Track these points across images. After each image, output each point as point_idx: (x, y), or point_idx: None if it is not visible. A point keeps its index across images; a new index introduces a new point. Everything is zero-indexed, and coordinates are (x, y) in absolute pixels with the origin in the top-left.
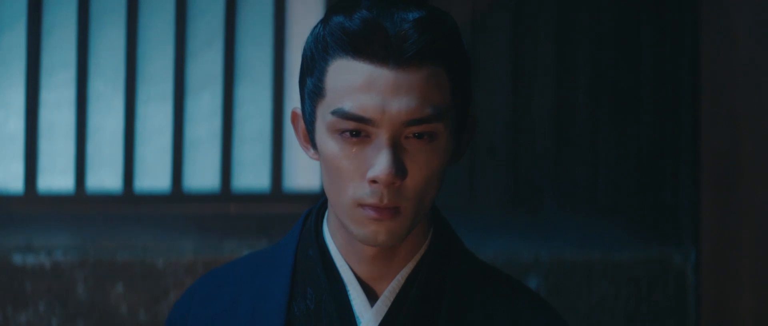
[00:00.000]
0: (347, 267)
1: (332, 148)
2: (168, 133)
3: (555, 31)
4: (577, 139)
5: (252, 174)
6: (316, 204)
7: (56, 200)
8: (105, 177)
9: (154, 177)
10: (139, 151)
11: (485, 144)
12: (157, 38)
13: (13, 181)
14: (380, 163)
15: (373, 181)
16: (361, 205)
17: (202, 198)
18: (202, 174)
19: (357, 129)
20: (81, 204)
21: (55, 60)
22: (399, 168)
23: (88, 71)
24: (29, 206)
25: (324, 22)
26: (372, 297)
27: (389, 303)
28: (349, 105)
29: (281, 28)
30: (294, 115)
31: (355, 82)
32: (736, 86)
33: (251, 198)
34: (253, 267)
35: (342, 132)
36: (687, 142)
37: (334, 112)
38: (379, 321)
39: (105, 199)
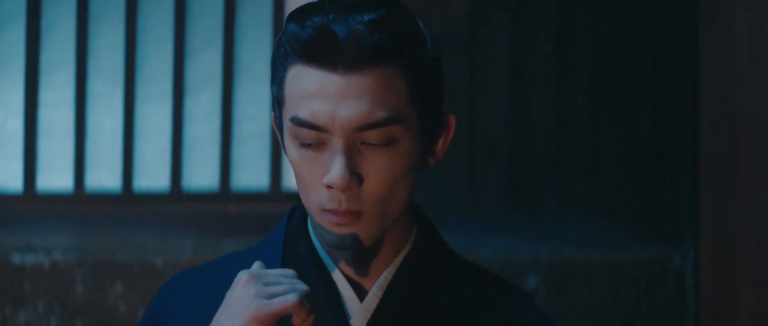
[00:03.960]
0: (333, 264)
1: (294, 154)
2: (167, 133)
3: (555, 31)
4: (577, 139)
5: (251, 174)
6: (301, 201)
7: (55, 199)
8: (104, 176)
9: (153, 176)
10: (138, 150)
11: (485, 144)
12: (156, 38)
13: (12, 181)
14: (334, 169)
15: (330, 187)
16: (324, 210)
17: (201, 198)
18: (201, 174)
19: (313, 135)
20: (80, 203)
21: (54, 59)
22: (353, 173)
23: (87, 71)
24: (28, 205)
25: (284, 27)
26: (360, 293)
27: (378, 299)
28: (303, 112)
29: (280, 27)
30: (273, 119)
31: (308, 89)
32: (734, 87)
33: (250, 197)
34: (239, 265)
35: (300, 138)
36: (686, 142)
37: (291, 119)
38: (368, 317)
39: (104, 199)
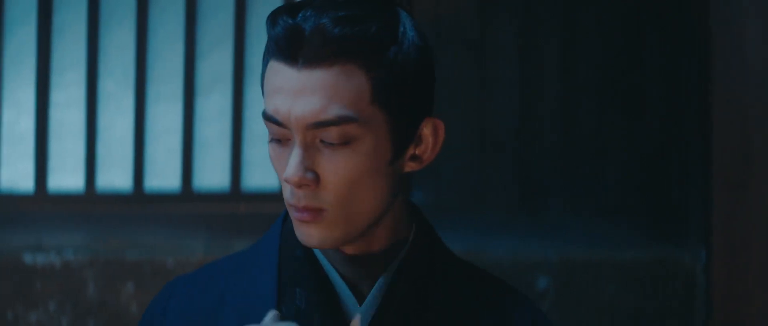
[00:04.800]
0: (331, 266)
1: (269, 148)
2: (178, 133)
3: (562, 29)
4: (585, 138)
5: (261, 174)
6: None
7: (66, 199)
8: (115, 176)
9: (163, 176)
10: (149, 150)
11: (493, 144)
12: (167, 38)
13: (24, 181)
14: (289, 165)
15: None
16: (289, 205)
17: (212, 198)
18: (212, 174)
19: (278, 131)
20: (91, 203)
21: (65, 59)
22: (307, 170)
23: (98, 71)
24: (39, 205)
25: None
26: (358, 296)
27: (377, 303)
28: (268, 107)
29: None
30: None
31: (274, 84)
32: (747, 84)
33: (261, 197)
34: (235, 269)
35: (271, 133)
36: (695, 141)
37: (262, 114)
38: (368, 320)
39: (115, 199)
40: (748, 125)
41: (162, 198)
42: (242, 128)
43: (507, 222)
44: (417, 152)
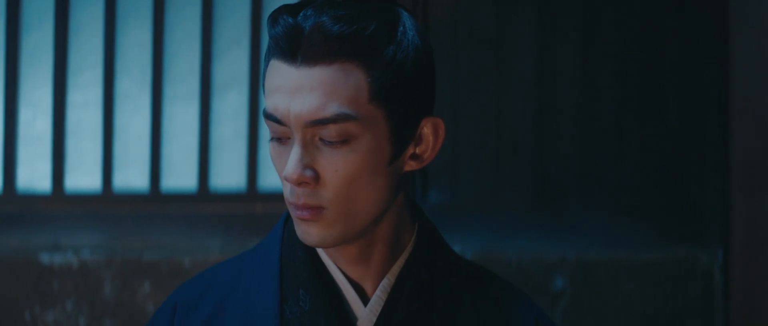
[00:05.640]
0: (335, 266)
1: (270, 147)
2: (194, 133)
3: (580, 28)
4: (602, 137)
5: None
6: None
7: (83, 199)
8: (132, 176)
9: (180, 176)
10: (165, 150)
11: (510, 144)
12: (183, 38)
13: (41, 181)
14: (288, 163)
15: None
16: (289, 203)
17: (229, 198)
18: (229, 174)
19: (278, 129)
20: (108, 203)
21: (82, 60)
22: (306, 168)
23: (114, 71)
24: (56, 205)
25: None
26: (362, 296)
27: (382, 303)
28: (268, 106)
29: None
30: None
31: (274, 82)
32: (765, 84)
33: (277, 197)
34: (236, 272)
35: (271, 132)
36: (713, 141)
37: (262, 112)
38: (374, 320)
39: (132, 199)
40: (766, 125)
41: (178, 198)
42: (258, 128)
43: (524, 221)
44: (417, 151)
